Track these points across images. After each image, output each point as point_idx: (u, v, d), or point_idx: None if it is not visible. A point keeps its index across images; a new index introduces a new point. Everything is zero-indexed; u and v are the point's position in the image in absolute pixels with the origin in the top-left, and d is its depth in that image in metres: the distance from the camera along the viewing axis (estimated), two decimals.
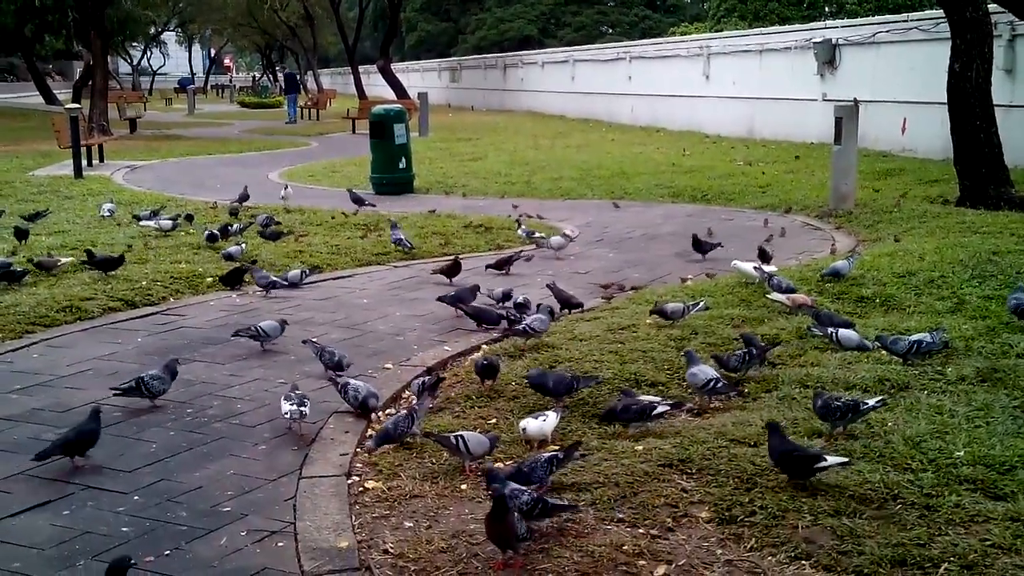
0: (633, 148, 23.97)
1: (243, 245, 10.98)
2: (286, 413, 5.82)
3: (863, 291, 8.32)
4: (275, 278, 9.49)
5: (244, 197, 14.64)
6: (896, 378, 6.11)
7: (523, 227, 12.15)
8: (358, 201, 14.74)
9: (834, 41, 22.07)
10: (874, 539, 4.18)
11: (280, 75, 62.15)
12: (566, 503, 4.52)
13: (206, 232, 11.58)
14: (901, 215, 12.67)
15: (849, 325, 7.07)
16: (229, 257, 10.48)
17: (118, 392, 6.26)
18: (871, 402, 5.30)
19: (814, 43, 22.45)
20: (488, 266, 10.14)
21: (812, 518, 4.38)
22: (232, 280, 9.57)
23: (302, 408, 5.81)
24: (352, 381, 6.16)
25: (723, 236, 11.76)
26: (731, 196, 15.70)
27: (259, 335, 7.45)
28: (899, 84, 19.52)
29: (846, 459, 4.76)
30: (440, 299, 8.52)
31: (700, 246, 10.82)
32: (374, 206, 14.73)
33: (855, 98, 15.40)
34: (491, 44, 59.63)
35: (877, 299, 8.15)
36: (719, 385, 5.89)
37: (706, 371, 5.97)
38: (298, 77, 51.92)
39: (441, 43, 67.78)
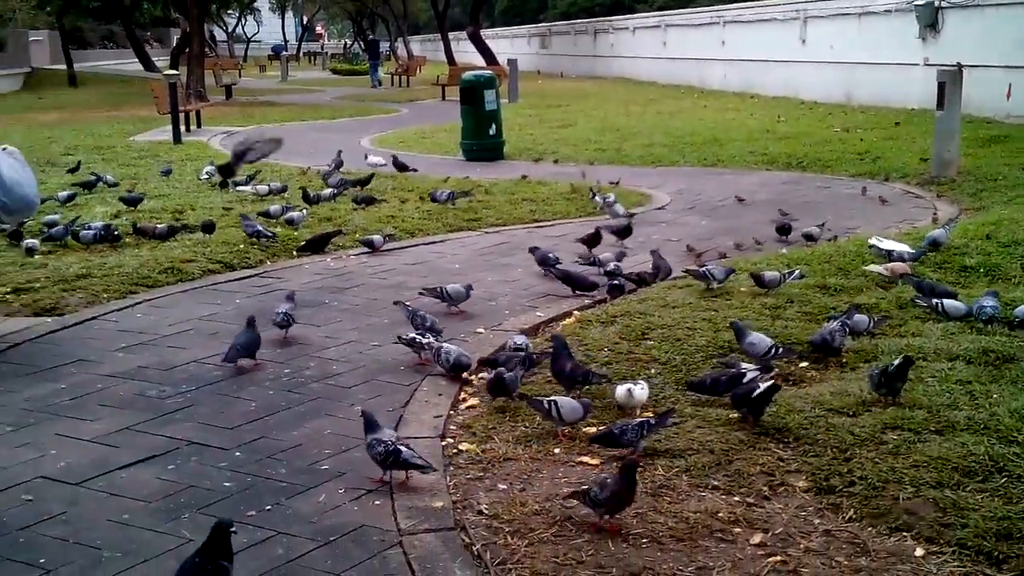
0: (726, 114, 23.61)
1: (304, 211, 11.12)
2: (404, 336, 6.38)
3: (966, 260, 8.08)
4: (260, 227, 9.87)
5: (339, 164, 14.81)
6: (1001, 349, 5.93)
7: (599, 195, 12.00)
8: (402, 167, 14.87)
9: (937, 3, 21.37)
10: (978, 512, 4.08)
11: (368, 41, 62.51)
12: (422, 462, 4.56)
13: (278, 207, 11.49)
14: (1007, 183, 12.28)
15: (952, 295, 6.90)
16: (291, 223, 10.64)
17: (281, 324, 6.92)
18: (896, 361, 5.23)
19: (916, 6, 21.77)
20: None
21: (914, 489, 4.29)
22: (316, 246, 9.71)
23: (421, 340, 6.27)
24: (445, 345, 6.21)
25: (818, 204, 11.54)
26: (827, 163, 15.39)
27: (444, 297, 7.55)
28: (1005, 48, 18.84)
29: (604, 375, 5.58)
30: (541, 263, 8.49)
31: (782, 229, 9.97)
32: (416, 170, 14.91)
33: (959, 62, 14.87)
34: (580, 10, 59.01)
35: (981, 269, 7.91)
36: (779, 351, 5.87)
37: (762, 339, 5.95)
38: (380, 44, 52.29)
39: (531, 9, 67.38)
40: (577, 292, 7.97)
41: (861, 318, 6.37)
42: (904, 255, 7.97)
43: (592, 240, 9.35)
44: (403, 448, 4.59)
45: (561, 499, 4.39)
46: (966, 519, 4.04)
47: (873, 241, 8.11)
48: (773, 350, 5.83)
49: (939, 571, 3.77)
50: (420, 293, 7.71)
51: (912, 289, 7.11)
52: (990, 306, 6.42)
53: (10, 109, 29.94)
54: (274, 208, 11.10)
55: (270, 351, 6.65)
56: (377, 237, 9.81)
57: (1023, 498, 4.17)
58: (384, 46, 76.90)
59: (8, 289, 8.19)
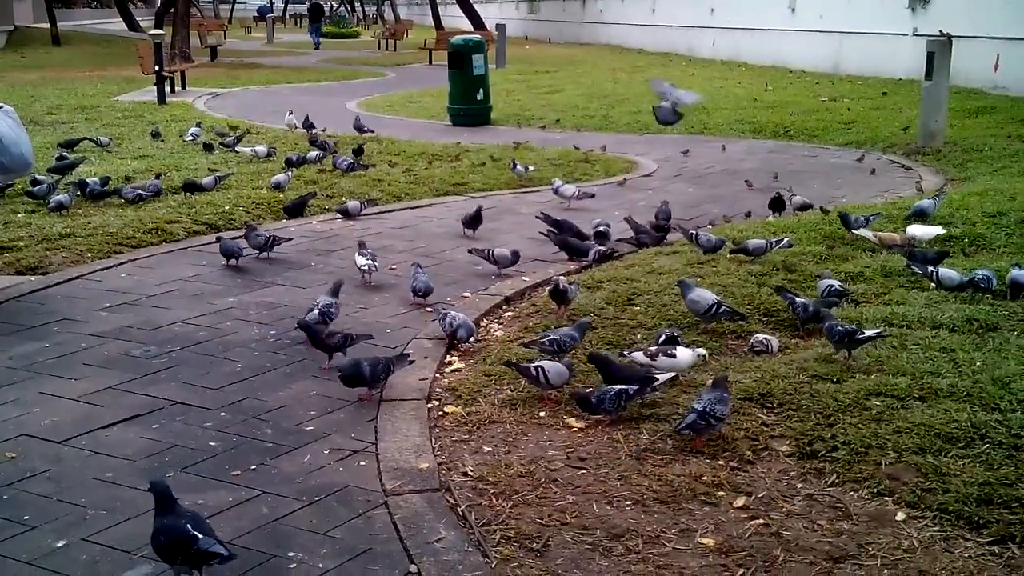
0: (714, 83, 23.49)
1: (289, 174, 11.00)
2: (363, 266, 7.04)
3: (951, 231, 8.09)
4: (97, 189, 9.91)
5: (309, 125, 14.87)
6: (985, 318, 5.96)
7: (519, 166, 11.71)
8: (360, 129, 15.02)
9: None
10: (960, 477, 4.11)
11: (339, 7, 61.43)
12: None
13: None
14: (992, 154, 12.30)
15: (945, 255, 7.01)
16: (277, 187, 10.46)
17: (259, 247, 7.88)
18: (869, 332, 5.31)
19: None
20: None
21: (896, 455, 4.32)
22: (295, 211, 9.62)
23: (375, 262, 7.08)
24: (452, 312, 6.14)
25: (803, 173, 11.54)
26: (814, 132, 15.39)
27: (491, 259, 7.66)
28: (993, 19, 18.80)
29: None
30: (545, 234, 8.42)
31: (778, 204, 9.45)
32: (373, 131, 15.05)
33: (948, 33, 14.83)
34: None
35: (965, 239, 7.93)
36: (721, 310, 5.95)
37: (706, 296, 6.03)
38: (323, 7, 51.52)
39: None
40: (572, 258, 7.98)
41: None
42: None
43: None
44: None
45: (670, 434, 4.56)
46: (947, 484, 4.08)
47: (861, 232, 7.95)
48: (714, 308, 5.93)
49: (920, 535, 3.81)
50: (469, 252, 7.84)
51: (903, 258, 7.10)
52: (981, 276, 6.40)
53: None
54: (207, 180, 10.42)
55: (256, 312, 6.64)
56: (353, 203, 9.66)
57: (1004, 464, 4.21)
58: (371, 10, 76.20)
59: None
